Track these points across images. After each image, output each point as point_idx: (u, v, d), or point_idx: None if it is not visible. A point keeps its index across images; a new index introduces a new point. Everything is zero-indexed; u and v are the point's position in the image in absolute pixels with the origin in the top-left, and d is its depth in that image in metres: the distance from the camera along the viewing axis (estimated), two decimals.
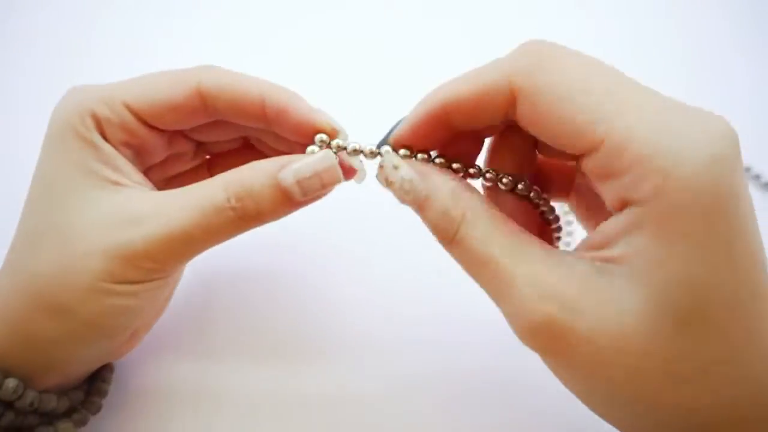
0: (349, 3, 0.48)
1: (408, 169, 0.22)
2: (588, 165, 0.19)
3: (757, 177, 0.39)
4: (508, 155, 0.24)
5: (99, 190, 0.24)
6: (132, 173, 0.26)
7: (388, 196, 0.23)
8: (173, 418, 0.30)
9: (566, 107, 0.19)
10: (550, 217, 0.24)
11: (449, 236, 0.21)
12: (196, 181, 0.30)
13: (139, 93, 0.25)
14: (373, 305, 0.34)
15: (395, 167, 0.22)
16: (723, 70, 0.44)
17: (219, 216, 0.23)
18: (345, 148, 0.24)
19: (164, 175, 0.30)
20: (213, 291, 0.34)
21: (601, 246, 0.19)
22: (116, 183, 0.25)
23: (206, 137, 0.29)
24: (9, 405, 0.24)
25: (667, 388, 0.18)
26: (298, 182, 0.23)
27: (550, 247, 0.21)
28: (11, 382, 0.23)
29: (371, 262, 0.35)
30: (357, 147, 0.24)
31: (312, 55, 0.45)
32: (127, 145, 0.26)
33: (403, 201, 0.22)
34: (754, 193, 0.38)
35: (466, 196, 0.21)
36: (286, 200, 0.23)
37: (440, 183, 0.22)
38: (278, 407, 0.31)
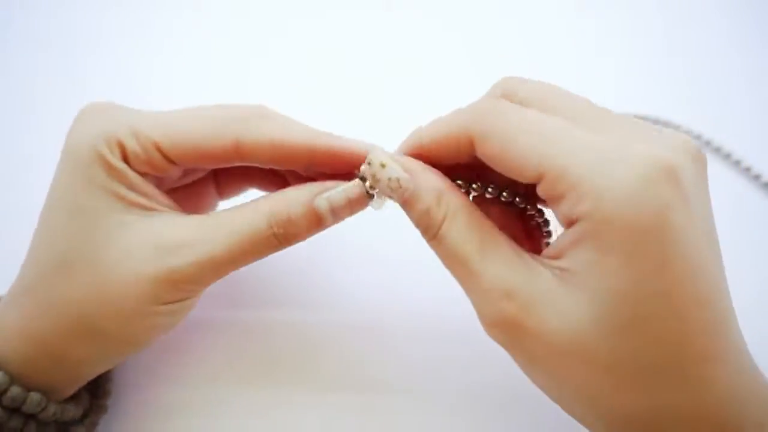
0: (352, 9, 0.48)
1: (396, 168, 0.24)
2: (539, 191, 0.22)
3: (757, 177, 0.39)
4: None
5: (131, 215, 0.25)
6: (159, 197, 0.26)
7: None
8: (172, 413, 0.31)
9: (510, 148, 0.21)
10: (540, 221, 0.26)
11: (431, 233, 0.23)
12: (204, 191, 0.31)
13: (171, 137, 0.25)
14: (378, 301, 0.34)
15: (382, 165, 0.24)
16: (723, 70, 0.44)
17: (262, 241, 0.25)
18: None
19: (172, 186, 0.30)
20: (216, 306, 0.34)
21: (556, 257, 0.21)
22: (147, 208, 0.25)
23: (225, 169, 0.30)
24: (31, 416, 0.25)
25: (608, 390, 0.20)
26: (332, 209, 0.25)
27: (521, 250, 0.23)
28: (35, 396, 0.24)
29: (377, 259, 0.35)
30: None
31: (312, 60, 0.45)
32: (148, 176, 0.26)
33: (389, 197, 0.24)
34: (755, 193, 0.39)
35: (449, 197, 0.23)
36: (319, 223, 0.25)
37: (426, 182, 0.23)
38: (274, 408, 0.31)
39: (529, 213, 0.25)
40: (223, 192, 0.32)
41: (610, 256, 0.19)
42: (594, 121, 0.21)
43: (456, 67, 0.44)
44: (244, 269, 0.33)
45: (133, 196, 0.25)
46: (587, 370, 0.20)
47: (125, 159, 0.25)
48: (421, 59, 0.45)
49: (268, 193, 0.27)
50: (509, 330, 0.21)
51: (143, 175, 0.26)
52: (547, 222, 0.26)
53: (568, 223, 0.21)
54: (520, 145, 0.21)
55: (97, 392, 0.29)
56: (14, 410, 0.24)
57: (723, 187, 0.39)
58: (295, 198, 0.25)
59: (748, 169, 0.39)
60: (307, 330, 0.33)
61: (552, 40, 0.46)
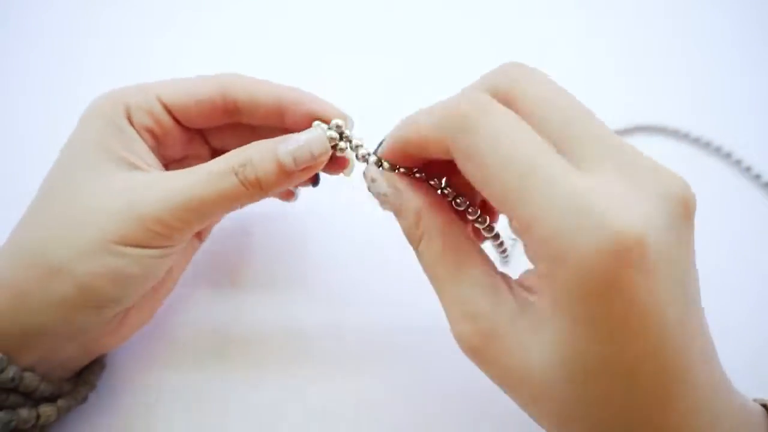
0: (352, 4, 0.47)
1: (383, 185, 0.25)
2: (509, 224, 0.22)
3: (757, 177, 0.38)
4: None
5: (115, 167, 0.26)
6: (149, 158, 0.28)
7: None
8: (163, 419, 0.30)
9: (484, 177, 0.21)
10: (487, 236, 0.26)
11: (414, 247, 0.24)
12: None
13: (170, 87, 0.28)
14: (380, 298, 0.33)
15: (373, 180, 0.25)
16: (723, 71, 0.44)
17: (223, 181, 0.25)
18: (350, 140, 0.27)
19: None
20: (203, 289, 0.34)
21: (527, 290, 0.22)
22: (133, 164, 0.26)
23: (222, 143, 0.31)
24: None
25: (559, 421, 0.21)
26: (291, 153, 0.25)
27: (495, 274, 0.23)
28: None
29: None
30: (358, 143, 0.27)
31: (315, 54, 0.44)
32: (150, 131, 0.28)
33: (383, 208, 0.25)
34: (755, 192, 0.38)
35: (427, 219, 0.24)
36: (281, 170, 0.25)
37: (409, 200, 0.24)
38: (270, 411, 0.30)
39: (482, 228, 0.25)
40: None
41: (563, 317, 0.19)
42: (583, 149, 0.20)
43: (457, 53, 0.43)
44: (236, 254, 0.34)
45: (123, 152, 0.26)
46: (541, 402, 0.21)
47: (128, 116, 0.27)
48: (420, 43, 0.45)
49: None
50: (472, 350, 0.22)
51: (147, 131, 0.28)
52: (497, 237, 0.26)
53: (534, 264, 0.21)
54: (495, 177, 0.20)
55: (79, 381, 0.28)
56: None
57: (723, 187, 0.38)
58: (260, 143, 0.26)
59: (748, 169, 0.39)
60: (295, 315, 0.33)
61: (553, 40, 0.45)
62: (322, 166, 0.26)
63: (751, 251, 0.36)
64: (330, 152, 0.26)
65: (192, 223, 0.26)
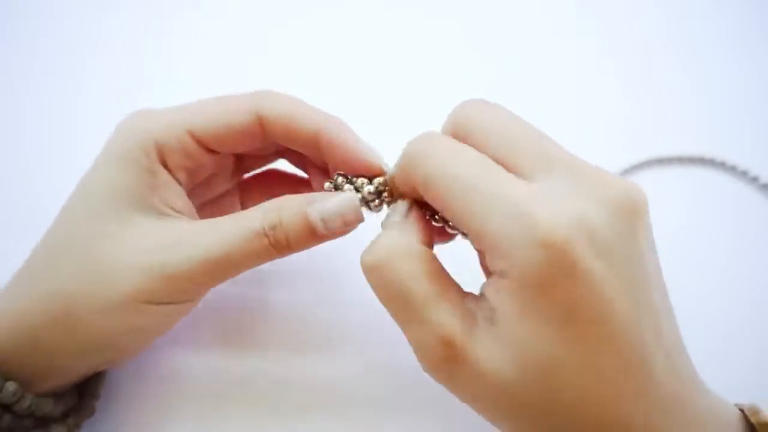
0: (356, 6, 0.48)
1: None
2: (470, 241, 0.23)
3: (755, 178, 0.39)
4: None
5: (144, 217, 0.26)
6: (180, 202, 0.27)
7: None
8: (166, 421, 0.30)
9: (441, 201, 0.22)
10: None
11: None
12: (229, 206, 0.32)
13: (202, 120, 0.27)
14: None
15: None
16: (722, 71, 0.44)
17: (254, 241, 0.25)
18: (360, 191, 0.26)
19: (202, 198, 0.31)
20: (206, 297, 0.34)
21: (488, 299, 0.22)
22: (161, 212, 0.26)
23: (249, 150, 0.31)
24: (7, 408, 0.24)
25: (518, 423, 0.21)
26: (323, 219, 0.25)
27: (464, 294, 0.23)
28: (11, 386, 0.24)
29: None
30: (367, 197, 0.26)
31: (320, 57, 0.45)
32: (185, 168, 0.28)
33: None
34: (754, 194, 0.38)
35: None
36: (311, 233, 0.25)
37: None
38: (276, 411, 0.31)
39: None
40: (247, 206, 0.31)
41: (516, 324, 0.20)
42: (530, 164, 0.22)
43: (459, 61, 0.44)
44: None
45: (153, 198, 0.26)
46: (514, 415, 0.21)
47: (162, 157, 0.26)
48: (423, 54, 0.45)
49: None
50: (445, 376, 0.22)
51: (180, 169, 0.27)
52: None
53: (488, 272, 0.22)
54: (446, 198, 0.22)
55: (84, 393, 0.29)
56: None
57: (722, 190, 0.38)
58: (288, 204, 0.25)
59: (745, 173, 0.39)
60: (302, 318, 0.33)
61: (555, 46, 0.45)
62: (351, 231, 0.26)
63: (755, 253, 0.36)
64: (363, 221, 0.26)
65: (219, 279, 0.26)
